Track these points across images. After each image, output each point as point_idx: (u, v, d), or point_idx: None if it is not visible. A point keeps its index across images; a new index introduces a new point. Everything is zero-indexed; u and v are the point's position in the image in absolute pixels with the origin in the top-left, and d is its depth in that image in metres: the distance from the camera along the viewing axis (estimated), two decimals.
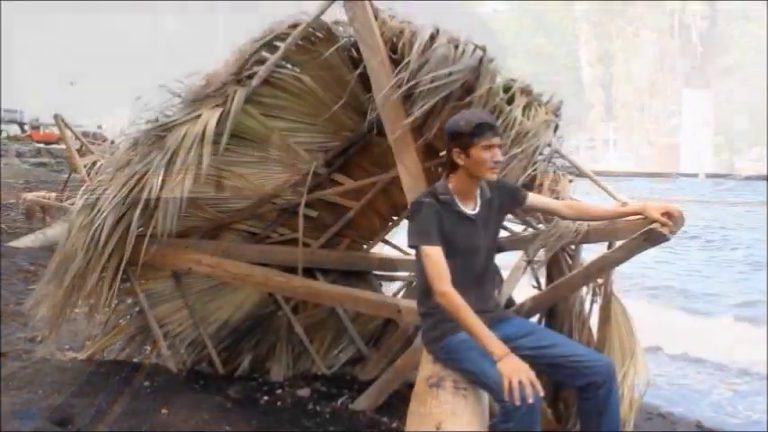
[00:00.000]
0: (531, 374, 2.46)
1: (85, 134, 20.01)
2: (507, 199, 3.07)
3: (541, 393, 2.45)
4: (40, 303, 4.18)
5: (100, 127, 51.29)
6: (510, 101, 3.48)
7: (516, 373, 2.43)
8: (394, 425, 3.77)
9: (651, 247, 2.90)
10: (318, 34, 3.85)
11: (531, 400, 2.38)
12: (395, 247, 5.00)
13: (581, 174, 3.47)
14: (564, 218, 3.20)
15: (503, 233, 3.81)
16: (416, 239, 2.79)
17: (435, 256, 2.73)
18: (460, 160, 2.83)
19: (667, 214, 2.80)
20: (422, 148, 3.81)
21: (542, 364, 2.85)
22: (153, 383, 4.19)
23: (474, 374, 2.66)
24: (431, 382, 2.74)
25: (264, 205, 4.54)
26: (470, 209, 2.91)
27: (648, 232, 2.81)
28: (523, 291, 3.97)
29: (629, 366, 3.39)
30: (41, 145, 40.59)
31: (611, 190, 3.23)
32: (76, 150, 10.99)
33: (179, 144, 3.72)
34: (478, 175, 2.83)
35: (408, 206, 3.09)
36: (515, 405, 2.39)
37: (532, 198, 3.13)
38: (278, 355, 4.77)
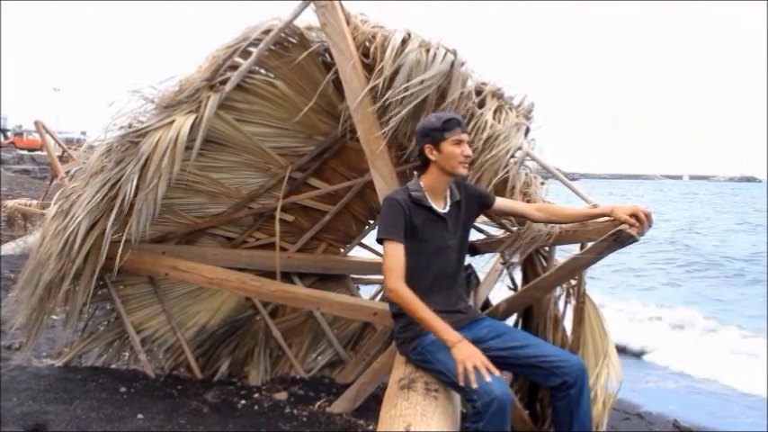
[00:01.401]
0: (484, 359, 2.54)
1: (69, 141, 19.89)
2: (476, 202, 3.12)
3: (496, 373, 2.51)
4: (15, 311, 4.18)
5: (84, 133, 50.81)
6: (481, 104, 3.51)
7: (470, 358, 2.52)
8: (370, 427, 3.78)
9: (620, 248, 2.92)
10: (291, 39, 3.87)
11: (488, 379, 2.45)
12: (372, 250, 5.01)
13: (552, 176, 3.49)
14: (534, 221, 3.23)
15: (479, 236, 3.84)
16: (381, 233, 2.84)
17: (394, 250, 2.78)
18: (432, 156, 2.89)
19: (635, 216, 2.83)
20: (395, 152, 3.83)
21: (514, 365, 2.89)
22: (130, 389, 4.18)
23: (444, 375, 2.68)
24: (402, 384, 2.75)
25: (240, 210, 4.55)
26: (441, 207, 2.95)
27: (617, 233, 2.84)
28: (501, 292, 3.99)
29: (603, 366, 3.42)
30: (25, 152, 40.25)
31: (581, 192, 3.26)
32: (58, 157, 10.91)
33: (153, 150, 3.73)
34: (449, 169, 2.89)
35: None
36: (486, 404, 2.42)
37: (500, 202, 3.18)
38: (256, 360, 4.76)
